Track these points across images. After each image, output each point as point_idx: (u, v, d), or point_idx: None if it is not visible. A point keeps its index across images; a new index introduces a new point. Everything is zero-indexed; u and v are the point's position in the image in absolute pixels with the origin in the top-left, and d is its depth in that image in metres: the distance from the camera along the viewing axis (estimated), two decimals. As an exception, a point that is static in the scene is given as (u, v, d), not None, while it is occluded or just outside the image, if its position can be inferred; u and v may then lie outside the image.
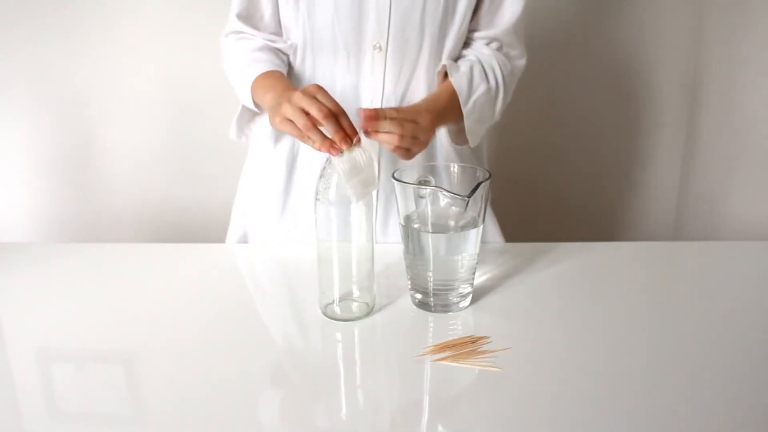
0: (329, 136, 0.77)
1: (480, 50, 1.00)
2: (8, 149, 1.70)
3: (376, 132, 0.81)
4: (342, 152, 0.76)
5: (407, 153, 0.85)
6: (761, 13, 1.36)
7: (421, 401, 0.65)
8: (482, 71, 0.98)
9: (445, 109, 0.93)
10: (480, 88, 0.97)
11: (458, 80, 0.95)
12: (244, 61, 0.98)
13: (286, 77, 0.96)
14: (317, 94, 0.79)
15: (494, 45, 1.01)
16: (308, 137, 0.78)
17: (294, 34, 0.99)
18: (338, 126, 0.76)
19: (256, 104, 0.98)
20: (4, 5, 1.57)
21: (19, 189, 1.73)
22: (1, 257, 0.98)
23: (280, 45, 1.01)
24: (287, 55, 1.01)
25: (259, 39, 1.01)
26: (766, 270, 0.95)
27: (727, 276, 0.93)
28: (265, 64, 0.96)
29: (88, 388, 0.67)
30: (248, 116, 1.05)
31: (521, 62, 1.04)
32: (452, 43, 0.98)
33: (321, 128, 0.78)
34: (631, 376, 0.68)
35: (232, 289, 0.90)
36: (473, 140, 1.00)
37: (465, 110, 0.95)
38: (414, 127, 0.84)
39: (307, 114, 0.78)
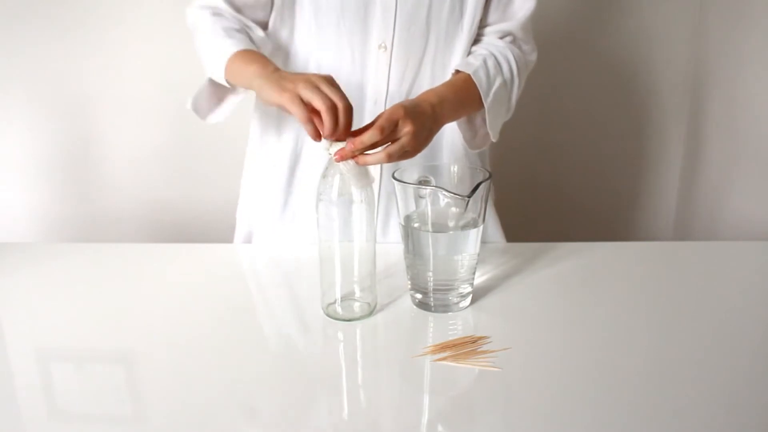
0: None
1: (493, 43, 0.99)
2: (8, 149, 1.70)
3: (364, 157, 0.77)
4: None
5: (405, 155, 0.81)
6: (761, 12, 1.36)
7: (421, 401, 0.65)
8: (496, 63, 0.96)
9: (458, 101, 0.90)
10: (497, 81, 0.95)
11: (476, 73, 0.93)
12: (220, 34, 0.91)
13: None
14: (322, 84, 0.75)
15: (508, 39, 1.00)
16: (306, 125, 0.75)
17: (282, 35, 0.97)
18: (334, 122, 0.74)
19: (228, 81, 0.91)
20: (4, 5, 1.57)
21: (19, 189, 1.73)
22: (1, 257, 0.98)
23: (257, 34, 0.95)
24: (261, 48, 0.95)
25: (238, 22, 0.95)
26: (766, 270, 0.95)
27: (727, 276, 0.93)
28: (245, 43, 0.90)
29: (88, 388, 0.67)
30: (210, 96, 0.97)
31: (533, 57, 1.04)
32: (463, 43, 0.97)
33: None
34: (631, 376, 0.68)
35: (232, 289, 0.90)
36: (494, 135, 0.98)
37: (486, 103, 0.93)
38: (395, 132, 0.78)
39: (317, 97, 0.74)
